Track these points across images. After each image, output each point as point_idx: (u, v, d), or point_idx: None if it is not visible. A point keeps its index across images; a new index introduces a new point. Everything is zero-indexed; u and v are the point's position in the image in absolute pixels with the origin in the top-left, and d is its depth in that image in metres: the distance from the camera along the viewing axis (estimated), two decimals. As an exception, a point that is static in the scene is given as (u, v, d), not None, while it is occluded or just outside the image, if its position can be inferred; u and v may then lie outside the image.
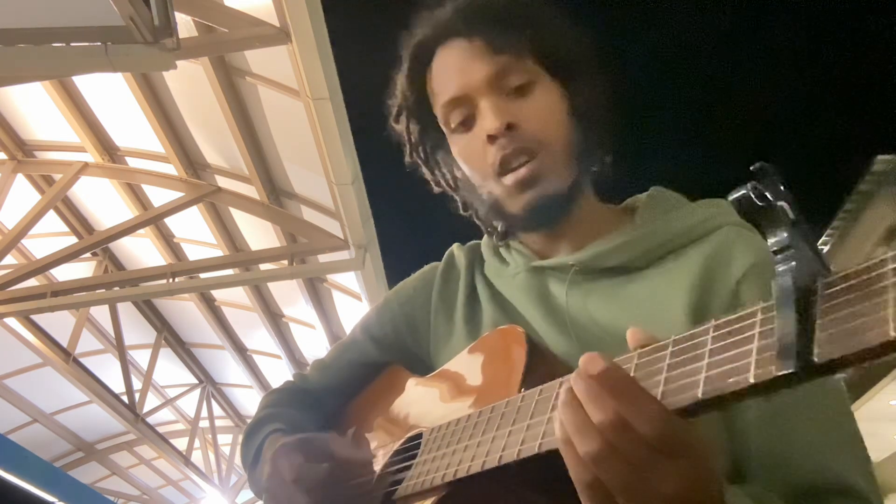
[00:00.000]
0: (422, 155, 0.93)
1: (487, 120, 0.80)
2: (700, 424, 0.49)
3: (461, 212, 0.95)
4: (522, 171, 0.79)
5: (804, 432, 0.67)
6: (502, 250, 0.93)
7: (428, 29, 0.87)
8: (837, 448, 0.67)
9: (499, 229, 0.92)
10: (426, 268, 1.02)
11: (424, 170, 0.95)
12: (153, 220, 5.29)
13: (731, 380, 0.42)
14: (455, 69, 0.84)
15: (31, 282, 5.30)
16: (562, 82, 0.83)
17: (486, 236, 0.97)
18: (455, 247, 1.01)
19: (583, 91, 0.84)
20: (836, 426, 0.68)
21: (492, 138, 0.80)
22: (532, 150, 0.80)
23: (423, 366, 0.95)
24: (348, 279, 5.37)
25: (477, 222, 0.94)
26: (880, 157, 11.47)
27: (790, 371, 0.38)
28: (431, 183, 0.95)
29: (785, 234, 0.42)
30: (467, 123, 0.84)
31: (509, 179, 0.80)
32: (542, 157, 0.80)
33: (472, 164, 0.85)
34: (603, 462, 0.49)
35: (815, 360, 0.37)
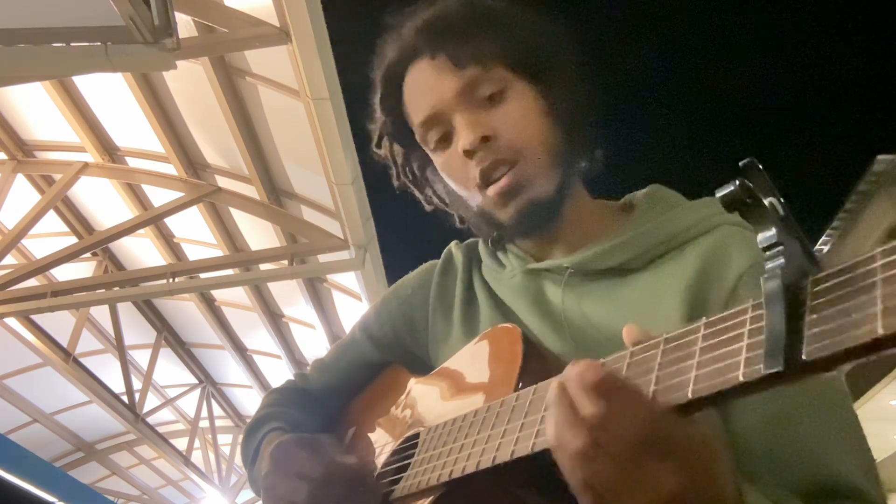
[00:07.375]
0: (410, 176, 0.93)
1: (462, 135, 0.79)
2: (705, 426, 0.48)
3: (458, 225, 0.94)
4: (503, 182, 0.79)
5: (809, 435, 0.66)
6: (499, 253, 0.92)
7: (394, 52, 0.86)
8: (842, 450, 0.66)
9: (494, 235, 0.91)
10: (424, 266, 1.02)
11: (414, 190, 0.94)
12: (153, 220, 5.30)
13: (720, 378, 0.42)
14: (424, 89, 0.83)
15: (31, 282, 5.30)
16: (535, 84, 0.82)
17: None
18: (453, 245, 1.01)
19: (557, 90, 0.82)
20: (840, 428, 0.67)
21: (469, 153, 0.79)
22: (511, 160, 0.79)
23: (422, 365, 0.95)
24: (348, 279, 5.37)
25: (475, 231, 0.93)
26: (880, 157, 11.47)
27: (778, 370, 0.38)
28: (423, 202, 0.94)
29: (773, 231, 0.41)
30: (446, 140, 0.83)
31: (492, 191, 0.80)
32: (523, 163, 0.79)
33: (456, 179, 0.84)
34: (590, 460, 0.48)
35: (804, 358, 0.37)
